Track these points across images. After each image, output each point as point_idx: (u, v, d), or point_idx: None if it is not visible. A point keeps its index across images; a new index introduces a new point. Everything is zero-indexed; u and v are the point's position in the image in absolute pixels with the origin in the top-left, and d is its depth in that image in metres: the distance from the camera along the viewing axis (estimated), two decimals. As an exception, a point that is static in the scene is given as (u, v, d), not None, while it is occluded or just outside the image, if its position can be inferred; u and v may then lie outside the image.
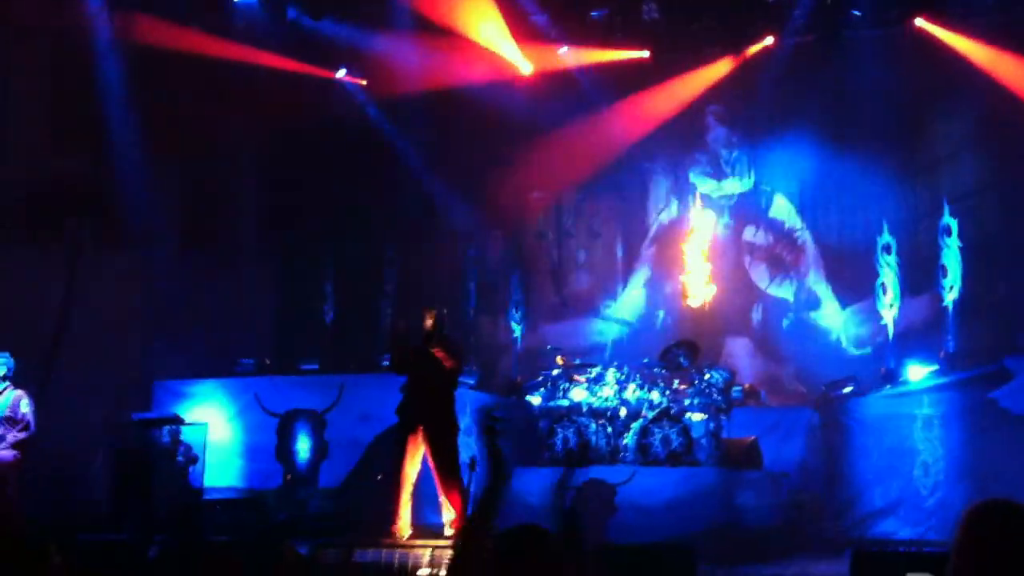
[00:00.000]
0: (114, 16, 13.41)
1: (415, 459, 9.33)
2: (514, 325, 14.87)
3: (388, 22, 14.53)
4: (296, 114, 14.89)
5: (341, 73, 15.43)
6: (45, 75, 13.93)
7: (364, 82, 15.52)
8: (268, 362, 13.05)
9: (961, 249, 11.63)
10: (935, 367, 10.89)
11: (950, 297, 11.52)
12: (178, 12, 13.64)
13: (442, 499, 9.35)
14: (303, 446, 12.02)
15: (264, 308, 15.41)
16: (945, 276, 11.59)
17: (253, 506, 11.33)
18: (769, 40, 14.31)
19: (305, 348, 14.43)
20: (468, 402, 12.51)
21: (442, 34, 14.73)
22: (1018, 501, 2.91)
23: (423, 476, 11.81)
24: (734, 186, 15.19)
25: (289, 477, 11.85)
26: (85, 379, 12.36)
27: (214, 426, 12.03)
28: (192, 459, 11.38)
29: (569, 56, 15.07)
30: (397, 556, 8.54)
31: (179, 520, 10.66)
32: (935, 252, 11.99)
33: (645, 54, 14.62)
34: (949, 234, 11.72)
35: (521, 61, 14.94)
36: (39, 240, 13.77)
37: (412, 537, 9.18)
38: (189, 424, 11.66)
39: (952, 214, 11.78)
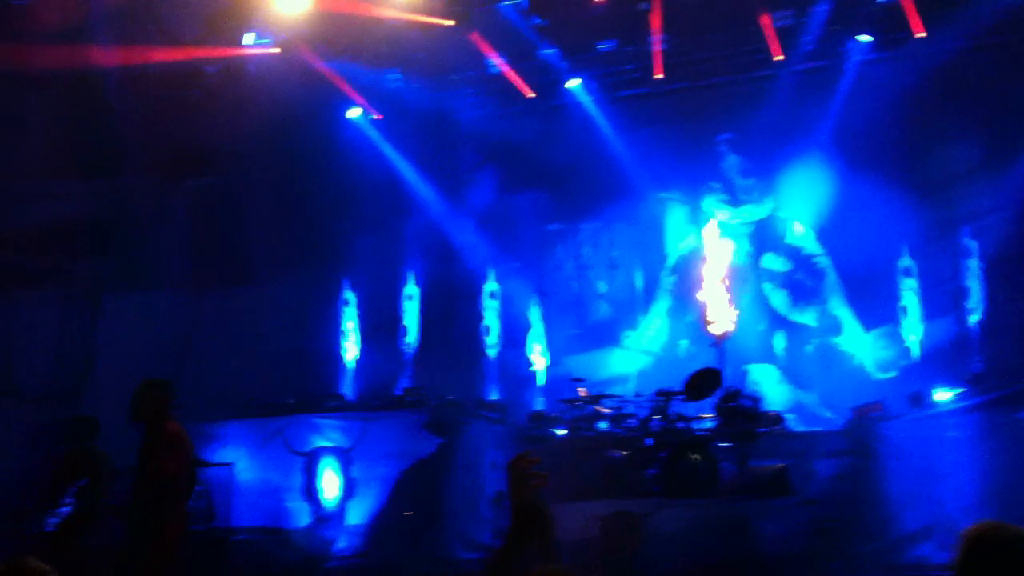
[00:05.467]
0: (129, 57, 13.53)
1: None
2: (535, 358, 14.87)
3: (399, 60, 14.73)
4: (312, 152, 15.03)
5: (355, 111, 15.57)
6: (58, 120, 14.00)
7: (380, 117, 15.66)
8: (292, 401, 13.04)
9: (981, 269, 11.60)
10: (961, 389, 10.84)
11: (973, 318, 11.48)
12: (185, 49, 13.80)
13: None
14: (329, 484, 12.00)
15: (285, 347, 15.40)
16: (967, 297, 11.55)
17: (281, 545, 11.29)
18: (778, 65, 14.36)
19: (327, 386, 14.45)
20: (492, 437, 12.52)
21: (449, 68, 14.96)
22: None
23: (448, 509, 11.82)
24: (751, 213, 15.22)
25: (317, 515, 11.82)
26: (110, 423, 12.35)
27: (241, 466, 12.03)
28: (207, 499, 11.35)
29: (581, 89, 15.18)
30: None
31: (205, 560, 10.63)
32: (955, 273, 11.95)
33: (659, 77, 14.67)
34: (969, 254, 11.70)
35: (528, 91, 15.11)
36: (51, 284, 13.86)
37: (442, 573, 9.13)
38: (215, 465, 11.65)
39: (970, 234, 11.75)
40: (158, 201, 14.47)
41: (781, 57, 14.25)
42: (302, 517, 11.92)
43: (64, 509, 8.65)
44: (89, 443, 9.12)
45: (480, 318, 15.23)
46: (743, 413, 11.27)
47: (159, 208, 14.46)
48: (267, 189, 15.63)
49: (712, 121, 15.34)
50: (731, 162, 15.33)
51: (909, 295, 12.43)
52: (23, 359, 13.02)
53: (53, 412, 10.37)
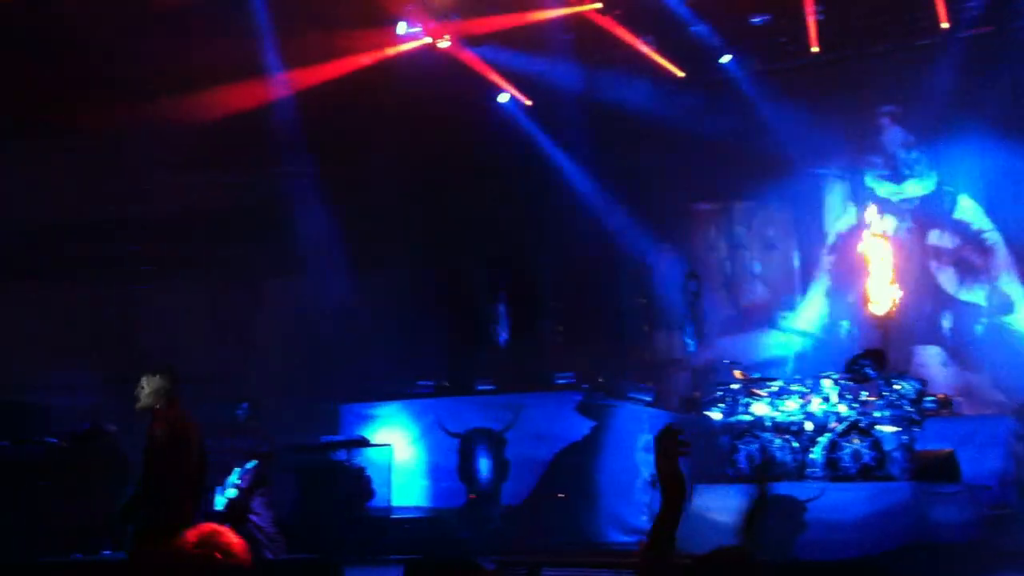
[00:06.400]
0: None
1: None
2: (688, 340, 14.66)
3: (545, 44, 14.73)
4: (458, 139, 15.20)
5: (503, 97, 15.64)
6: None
7: (529, 103, 15.70)
8: (446, 384, 13.28)
9: None
10: None
11: None
12: (339, 42, 14.12)
13: None
14: (484, 465, 12.18)
15: (434, 330, 15.64)
16: None
17: (437, 524, 11.53)
18: (943, 33, 13.72)
19: (478, 369, 14.62)
20: (645, 419, 12.43)
21: (597, 51, 14.87)
22: None
23: (602, 492, 11.84)
24: (914, 188, 14.61)
25: (473, 496, 12.02)
26: (272, 402, 12.83)
27: (398, 447, 12.33)
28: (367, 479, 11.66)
29: (734, 64, 14.86)
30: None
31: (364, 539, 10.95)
32: None
33: (814, 50, 14.20)
34: None
35: (677, 71, 14.93)
36: (208, 270, 14.43)
37: (598, 556, 9.14)
38: (375, 446, 11.98)
39: None
40: (312, 189, 14.91)
41: (947, 25, 13.59)
42: (458, 497, 12.15)
43: (233, 489, 9.05)
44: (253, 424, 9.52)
45: (631, 300, 15.10)
46: (908, 396, 10.81)
47: (312, 195, 14.89)
48: (417, 174, 15.90)
49: (872, 93, 14.81)
50: (893, 135, 14.74)
51: (1089, 271, 11.70)
52: (183, 342, 13.63)
53: (213, 394, 10.81)
